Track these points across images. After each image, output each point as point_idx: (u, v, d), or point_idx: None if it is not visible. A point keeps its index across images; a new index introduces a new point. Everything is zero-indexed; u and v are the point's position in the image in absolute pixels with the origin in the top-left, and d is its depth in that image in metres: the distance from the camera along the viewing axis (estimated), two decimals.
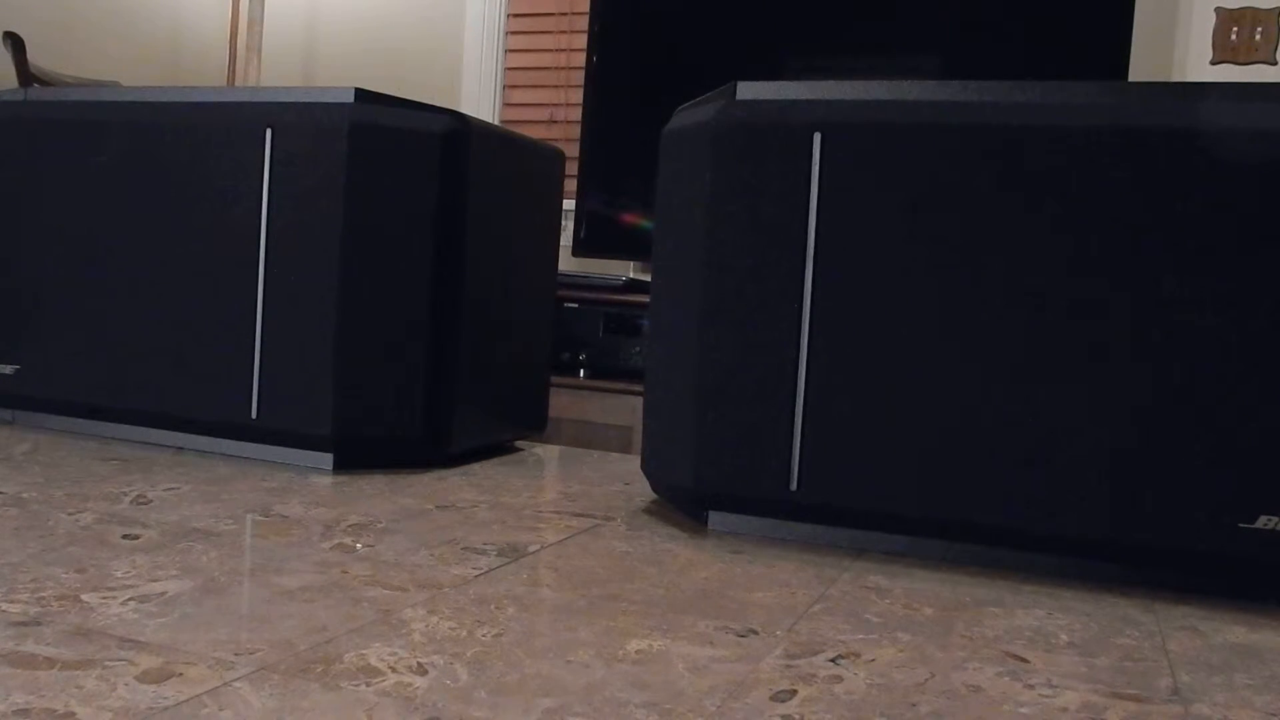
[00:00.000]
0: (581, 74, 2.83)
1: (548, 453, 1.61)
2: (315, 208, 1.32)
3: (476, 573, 0.95)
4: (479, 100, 3.06)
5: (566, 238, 2.78)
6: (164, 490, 1.19)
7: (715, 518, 1.17)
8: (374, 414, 1.34)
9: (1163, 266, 1.00)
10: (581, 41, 2.89)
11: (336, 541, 1.02)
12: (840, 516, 1.11)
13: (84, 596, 0.81)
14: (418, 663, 0.73)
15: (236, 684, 0.67)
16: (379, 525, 1.09)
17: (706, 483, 1.13)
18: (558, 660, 0.75)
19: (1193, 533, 0.99)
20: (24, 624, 0.75)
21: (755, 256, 1.11)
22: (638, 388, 2.29)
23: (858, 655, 0.80)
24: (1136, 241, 1.00)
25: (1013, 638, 0.87)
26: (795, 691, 0.72)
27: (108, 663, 0.69)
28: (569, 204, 2.75)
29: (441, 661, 0.73)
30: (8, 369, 1.50)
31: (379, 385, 1.33)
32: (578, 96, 2.89)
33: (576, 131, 2.83)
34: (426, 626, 0.80)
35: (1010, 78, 1.34)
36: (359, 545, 1.01)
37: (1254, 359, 0.98)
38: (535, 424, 1.60)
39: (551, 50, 3.02)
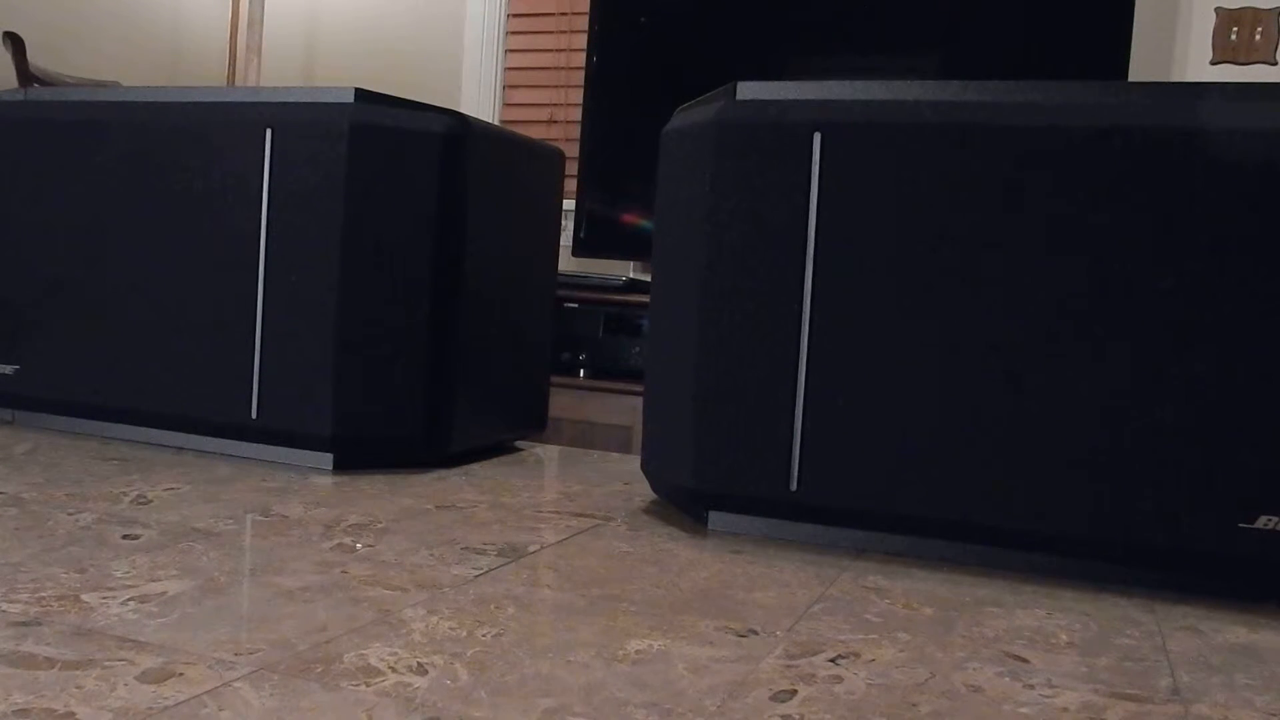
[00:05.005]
0: (581, 74, 2.83)
1: (548, 453, 1.61)
2: (315, 208, 1.32)
3: (476, 573, 0.95)
4: (479, 100, 3.05)
5: (566, 238, 2.78)
6: (164, 490, 1.19)
7: (715, 518, 1.17)
8: (374, 414, 1.34)
9: (1163, 266, 1.00)
10: (581, 41, 2.89)
11: (336, 541, 1.02)
12: (840, 516, 1.10)
13: (84, 596, 0.81)
14: (418, 663, 0.73)
15: (236, 684, 0.67)
16: (379, 525, 1.09)
17: (706, 483, 1.13)
18: (558, 660, 0.75)
19: (1193, 533, 0.99)
20: (24, 624, 0.75)
21: (755, 256, 1.11)
22: (638, 388, 2.29)
23: (858, 655, 0.80)
24: (1137, 241, 1.00)
25: (1013, 638, 0.87)
26: (795, 691, 0.72)
27: (108, 663, 0.69)
28: (569, 204, 2.75)
29: (441, 661, 0.73)
30: (8, 369, 1.50)
31: (379, 385, 1.33)
32: (578, 96, 2.89)
33: (576, 131, 2.83)
34: (426, 626, 0.80)
35: (1010, 78, 1.34)
36: (359, 545, 1.01)
37: (1254, 359, 0.97)
38: (535, 424, 1.60)
39: (551, 50, 3.01)
